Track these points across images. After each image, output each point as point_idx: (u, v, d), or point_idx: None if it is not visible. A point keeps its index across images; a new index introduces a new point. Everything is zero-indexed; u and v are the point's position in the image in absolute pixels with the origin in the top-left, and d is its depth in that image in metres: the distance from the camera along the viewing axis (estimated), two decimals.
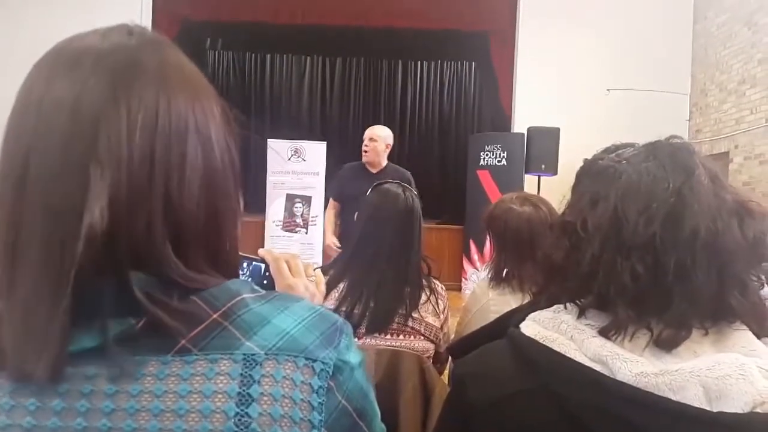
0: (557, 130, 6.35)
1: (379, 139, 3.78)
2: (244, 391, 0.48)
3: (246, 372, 0.48)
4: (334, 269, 1.74)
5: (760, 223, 0.69)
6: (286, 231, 6.56)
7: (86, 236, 0.45)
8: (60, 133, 0.48)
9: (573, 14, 7.23)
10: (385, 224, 1.72)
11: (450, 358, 1.89)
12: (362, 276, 1.67)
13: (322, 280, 0.83)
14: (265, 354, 0.49)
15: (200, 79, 0.56)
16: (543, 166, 6.31)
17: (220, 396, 0.47)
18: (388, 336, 1.66)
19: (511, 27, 7.57)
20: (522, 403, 0.70)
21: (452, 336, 1.85)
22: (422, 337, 1.69)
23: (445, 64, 9.21)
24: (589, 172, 0.77)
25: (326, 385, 0.51)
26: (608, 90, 7.21)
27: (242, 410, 0.47)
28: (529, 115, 7.02)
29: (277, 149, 6.58)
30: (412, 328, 1.68)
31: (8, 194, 0.48)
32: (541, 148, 6.34)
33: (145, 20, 7.45)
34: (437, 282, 1.80)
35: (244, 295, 0.53)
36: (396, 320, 1.66)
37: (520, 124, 7.16)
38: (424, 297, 1.71)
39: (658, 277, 0.67)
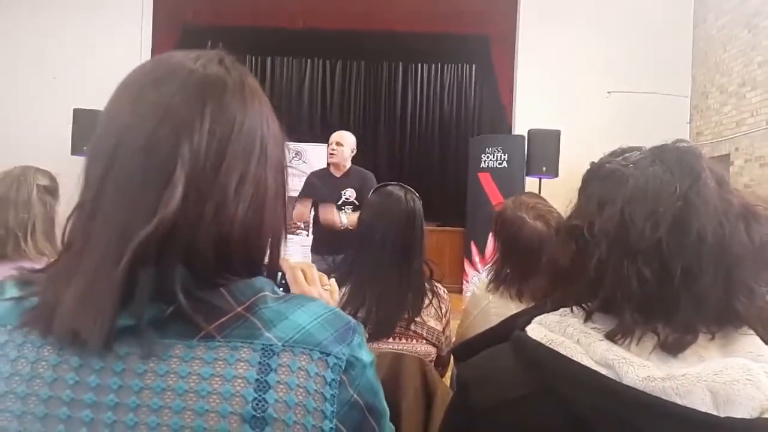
0: (558, 132, 6.35)
1: (345, 144, 3.99)
2: (261, 378, 0.51)
3: (264, 360, 0.52)
4: (336, 273, 1.73)
5: (767, 227, 0.68)
6: (288, 233, 6.56)
7: (155, 225, 0.50)
8: (148, 134, 0.54)
9: (573, 17, 7.24)
10: (387, 227, 1.71)
11: (452, 361, 1.88)
12: (364, 281, 1.66)
13: (336, 289, 0.85)
14: (282, 345, 0.53)
15: (267, 101, 0.63)
16: (544, 169, 6.30)
17: (239, 381, 0.51)
18: (391, 340, 1.65)
19: (511, 30, 7.57)
20: (527, 407, 0.70)
21: (454, 339, 1.85)
22: (424, 341, 1.69)
23: (445, 67, 9.21)
24: (596, 176, 0.76)
25: (339, 379, 0.54)
26: (609, 92, 7.21)
27: (260, 396, 0.51)
28: (529, 118, 7.03)
29: None
30: (415, 331, 1.67)
31: (95, 178, 0.54)
32: (542, 150, 6.33)
33: (146, 25, 7.46)
34: (439, 285, 1.79)
35: (266, 292, 0.57)
36: (398, 324, 1.65)
37: (520, 127, 7.16)
38: (426, 301, 1.71)
39: (665, 281, 0.67)
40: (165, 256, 0.51)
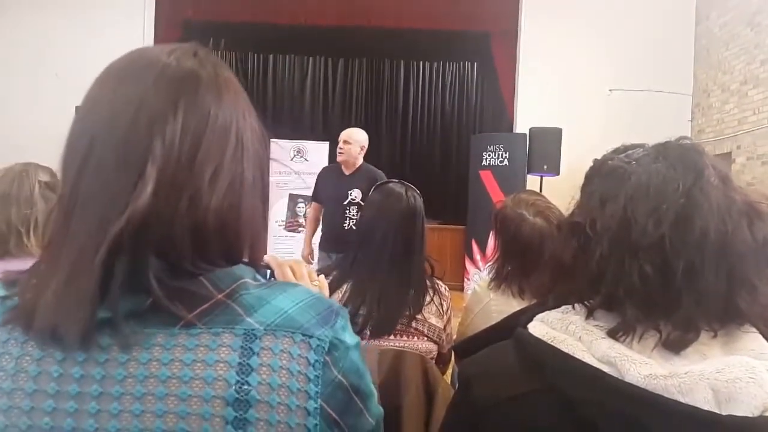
0: (559, 130, 6.34)
1: (353, 142, 3.95)
2: (244, 361, 0.52)
3: (246, 345, 0.53)
4: (337, 270, 1.73)
5: None
6: (289, 231, 6.57)
7: (127, 218, 0.50)
8: (123, 128, 0.54)
9: (575, 15, 7.23)
10: (388, 225, 1.71)
11: (453, 358, 1.88)
12: (365, 278, 1.66)
13: (326, 285, 0.85)
14: (264, 329, 0.54)
15: (243, 94, 0.63)
16: (545, 167, 6.31)
17: (221, 365, 0.52)
18: (392, 337, 1.65)
19: (513, 27, 7.57)
20: (529, 404, 0.70)
21: (455, 336, 1.85)
22: (425, 338, 1.69)
23: (447, 65, 9.19)
24: (599, 173, 0.76)
25: (322, 360, 0.55)
26: (610, 90, 7.21)
27: (242, 378, 0.51)
28: (531, 116, 7.03)
29: (280, 149, 6.58)
30: (416, 329, 1.67)
31: (72, 173, 0.55)
32: (544, 148, 6.33)
33: (148, 22, 7.47)
34: (440, 283, 1.79)
35: (247, 279, 0.58)
36: (400, 322, 1.65)
37: (522, 125, 7.16)
38: (427, 298, 1.71)
39: (667, 278, 0.66)
40: (139, 248, 0.52)
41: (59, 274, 0.52)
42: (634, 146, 0.76)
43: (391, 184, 1.83)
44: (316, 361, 0.54)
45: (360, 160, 4.01)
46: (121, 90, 0.56)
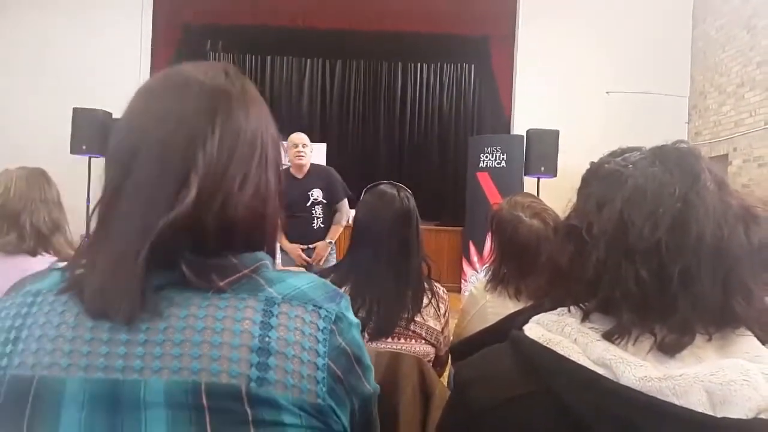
0: (557, 132, 6.35)
1: (309, 144, 3.94)
2: (265, 320, 0.63)
3: (267, 308, 0.64)
4: (334, 274, 1.72)
5: (766, 229, 0.68)
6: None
7: (173, 217, 0.60)
8: (165, 139, 0.63)
9: (572, 17, 7.24)
10: (383, 227, 1.70)
11: (450, 361, 1.88)
12: (364, 281, 1.66)
13: None
14: (282, 298, 0.65)
15: (265, 106, 0.73)
16: (542, 168, 6.31)
17: (247, 321, 0.62)
18: (390, 339, 1.65)
19: (510, 30, 7.58)
20: (524, 406, 0.70)
21: (452, 338, 1.85)
22: (423, 341, 1.69)
23: (444, 67, 9.22)
24: (596, 176, 0.76)
25: (329, 327, 0.65)
26: (608, 92, 7.22)
27: (264, 333, 0.62)
28: (528, 118, 7.04)
29: None
30: (414, 331, 1.67)
31: (117, 175, 0.64)
32: (541, 150, 6.33)
33: (146, 24, 7.46)
34: (438, 285, 1.79)
35: (266, 262, 0.69)
36: (398, 323, 1.65)
37: (519, 126, 7.17)
38: (426, 300, 1.71)
39: (663, 282, 0.67)
40: (177, 238, 0.61)
41: (104, 260, 0.62)
42: (631, 149, 0.76)
43: (382, 186, 1.82)
44: (324, 327, 0.65)
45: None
46: (162, 105, 0.66)
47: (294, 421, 0.61)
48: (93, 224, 0.66)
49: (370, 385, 0.71)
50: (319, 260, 3.85)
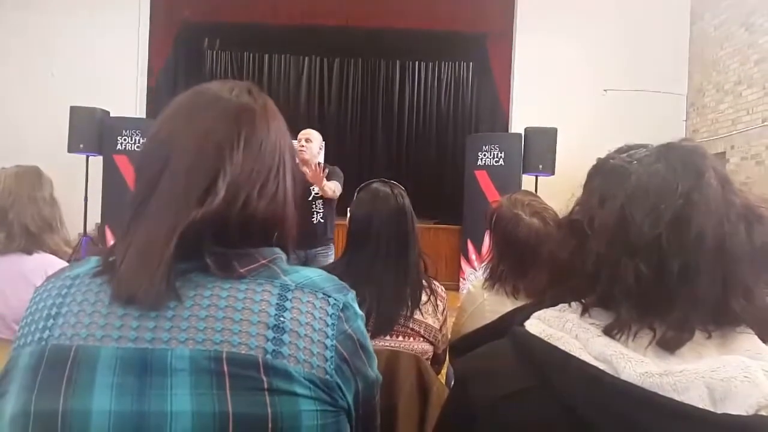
0: (554, 130, 6.36)
1: (314, 140, 4.04)
2: (281, 303, 0.70)
3: (282, 293, 0.71)
4: (334, 272, 1.71)
5: None
6: None
7: (201, 215, 0.68)
8: (195, 149, 0.72)
9: (570, 15, 7.24)
10: (378, 226, 1.70)
11: (447, 358, 1.88)
12: (363, 279, 1.66)
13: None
14: (295, 286, 0.72)
15: (283, 120, 0.82)
16: (540, 166, 6.32)
17: (264, 302, 0.70)
18: (388, 337, 1.65)
19: (508, 28, 7.58)
20: (525, 401, 0.70)
21: (449, 336, 1.85)
22: (422, 339, 1.69)
23: (442, 65, 9.21)
24: (600, 171, 0.77)
25: (337, 314, 0.73)
26: (605, 90, 7.22)
27: (279, 313, 0.69)
28: (526, 116, 7.04)
29: None
30: (412, 329, 1.67)
31: (150, 177, 0.73)
32: (539, 148, 6.34)
33: (144, 21, 7.44)
34: (437, 283, 1.79)
35: (281, 255, 0.77)
36: (398, 321, 1.65)
37: (517, 125, 7.17)
38: (424, 297, 1.70)
39: (662, 277, 0.67)
40: (202, 232, 0.69)
41: (138, 247, 0.69)
42: (637, 146, 0.76)
43: (375, 184, 1.82)
44: (333, 314, 0.72)
45: (318, 158, 4.07)
46: (192, 119, 0.75)
47: (304, 392, 0.67)
48: (127, 219, 0.73)
49: (374, 371, 0.77)
50: (315, 172, 3.80)
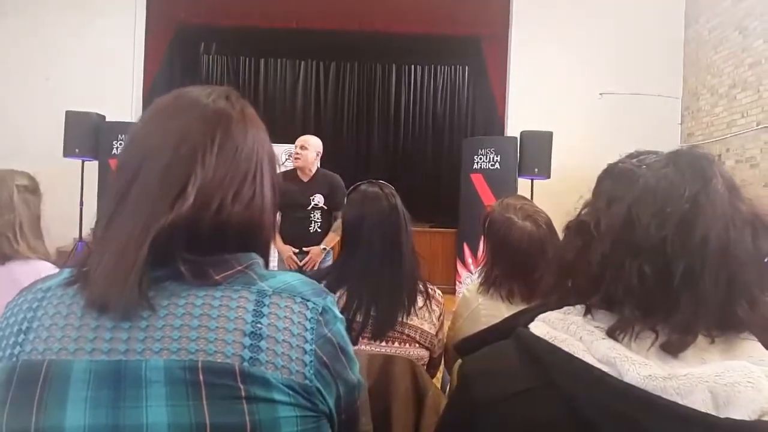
0: (550, 134, 6.36)
1: (310, 147, 3.98)
2: (258, 309, 0.69)
3: (259, 299, 0.70)
4: (329, 276, 1.71)
5: None
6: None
7: (170, 220, 0.67)
8: (170, 153, 0.71)
9: (566, 19, 7.27)
10: (372, 227, 1.70)
11: (443, 363, 1.88)
12: (359, 281, 1.65)
13: None
14: (273, 291, 0.71)
15: (263, 127, 0.81)
16: (536, 170, 6.32)
17: (241, 309, 0.68)
18: (384, 343, 1.64)
19: (504, 31, 7.59)
20: (528, 402, 0.70)
21: (445, 341, 1.84)
22: (417, 345, 1.68)
23: (438, 68, 9.23)
24: (609, 175, 0.78)
25: (316, 318, 0.72)
26: (601, 94, 7.24)
27: (256, 319, 0.68)
28: (522, 119, 7.05)
29: None
30: (408, 335, 1.66)
31: (124, 182, 0.71)
32: (535, 151, 6.34)
33: (140, 25, 7.43)
34: (434, 288, 1.78)
35: (259, 261, 0.76)
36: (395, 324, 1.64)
37: (513, 128, 7.18)
38: (420, 301, 1.70)
39: (666, 279, 0.67)
40: (174, 237, 0.68)
41: (108, 257, 0.68)
42: (648, 152, 0.77)
43: (364, 186, 1.82)
44: (312, 318, 0.71)
45: (316, 166, 4.03)
46: (168, 123, 0.74)
47: (283, 399, 0.66)
48: (100, 225, 0.72)
49: (355, 374, 0.77)
50: (312, 266, 3.84)
